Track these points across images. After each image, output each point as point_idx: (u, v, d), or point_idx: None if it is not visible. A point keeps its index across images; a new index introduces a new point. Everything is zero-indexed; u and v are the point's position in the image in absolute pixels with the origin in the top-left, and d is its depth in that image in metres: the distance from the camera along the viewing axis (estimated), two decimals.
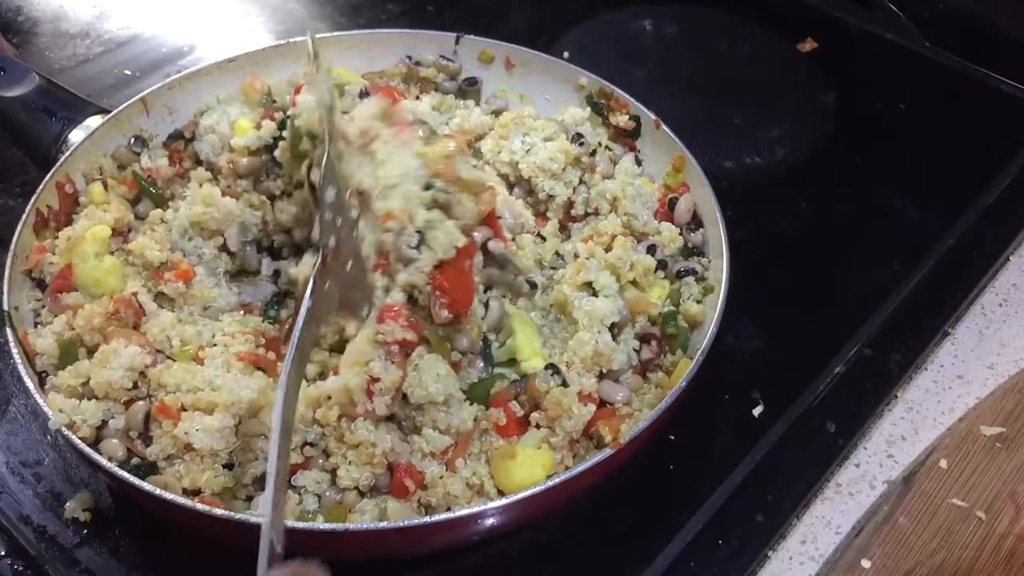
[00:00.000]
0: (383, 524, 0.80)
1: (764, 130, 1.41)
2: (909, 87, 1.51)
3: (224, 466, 0.83)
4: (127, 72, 1.47)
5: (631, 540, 0.94)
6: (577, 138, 1.12)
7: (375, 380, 0.83)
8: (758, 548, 0.93)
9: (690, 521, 0.94)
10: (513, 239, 1.05)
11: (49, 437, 0.99)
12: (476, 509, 0.79)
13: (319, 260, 0.84)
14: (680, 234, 1.08)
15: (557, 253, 1.07)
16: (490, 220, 0.97)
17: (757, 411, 1.04)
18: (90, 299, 0.95)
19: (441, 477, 0.84)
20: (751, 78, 1.52)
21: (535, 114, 1.20)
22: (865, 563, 0.89)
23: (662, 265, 1.03)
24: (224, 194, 1.05)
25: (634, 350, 0.97)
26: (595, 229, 1.06)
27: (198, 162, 1.13)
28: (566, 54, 1.45)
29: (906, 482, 0.97)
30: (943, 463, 0.98)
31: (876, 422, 1.05)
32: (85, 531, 0.91)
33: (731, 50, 1.57)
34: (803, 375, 1.08)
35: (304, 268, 0.90)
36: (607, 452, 0.82)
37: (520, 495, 0.78)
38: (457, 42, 1.27)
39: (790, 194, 1.32)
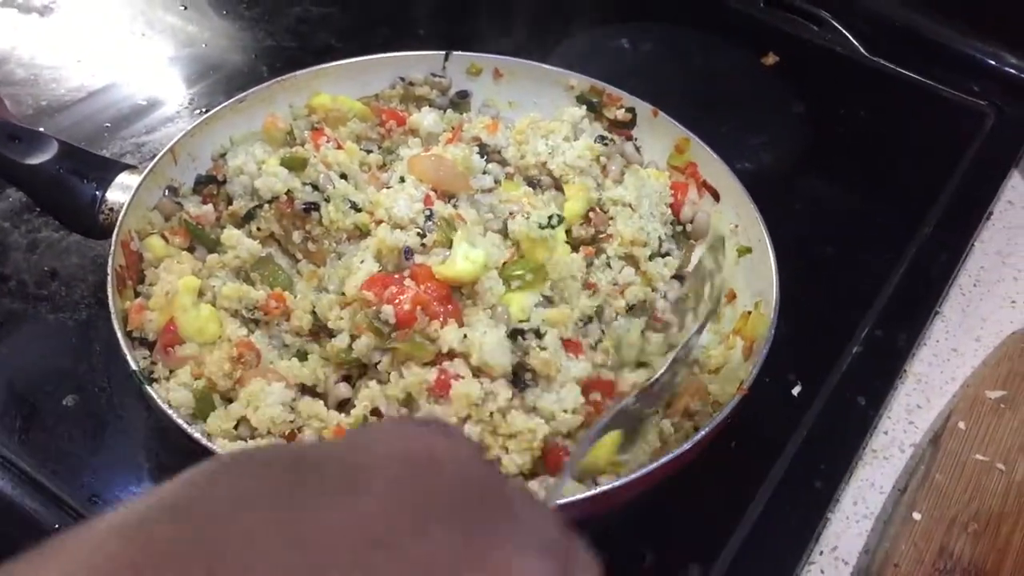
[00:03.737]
0: (627, 478, 0.86)
1: (748, 138, 1.54)
2: (863, 96, 1.67)
3: None
4: (107, 125, 1.47)
5: (713, 512, 1.04)
6: (601, 139, 1.23)
7: None
8: (822, 511, 1.04)
9: (759, 492, 1.04)
10: None
11: None
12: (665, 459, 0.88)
13: None
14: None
15: None
16: None
17: (796, 391, 1.16)
18: (197, 348, 0.97)
19: None
20: (726, 90, 1.65)
21: (539, 118, 1.28)
22: (916, 515, 1.02)
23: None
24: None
25: None
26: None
27: (229, 203, 1.14)
28: None
29: (933, 443, 1.11)
30: (961, 425, 1.12)
31: (894, 394, 1.19)
32: None
33: (705, 65, 1.70)
34: (828, 357, 1.20)
35: None
36: (738, 397, 0.93)
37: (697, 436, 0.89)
38: (447, 59, 1.34)
39: (783, 196, 1.44)
